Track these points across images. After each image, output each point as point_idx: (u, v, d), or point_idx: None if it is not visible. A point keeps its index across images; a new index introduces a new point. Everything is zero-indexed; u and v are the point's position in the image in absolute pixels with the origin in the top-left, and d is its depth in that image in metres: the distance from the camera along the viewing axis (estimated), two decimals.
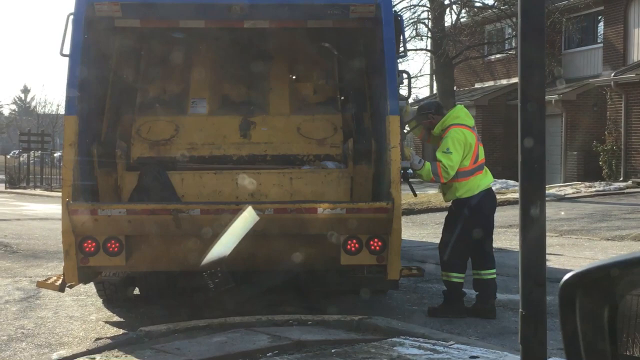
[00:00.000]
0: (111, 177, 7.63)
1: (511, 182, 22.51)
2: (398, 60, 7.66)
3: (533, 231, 3.32)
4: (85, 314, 7.98)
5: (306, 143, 7.96)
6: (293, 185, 7.64)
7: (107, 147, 7.57)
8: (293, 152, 7.94)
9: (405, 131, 7.89)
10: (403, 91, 8.99)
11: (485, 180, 7.65)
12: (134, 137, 7.92)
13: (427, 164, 7.47)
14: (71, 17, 7.04)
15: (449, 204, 7.86)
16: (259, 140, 7.97)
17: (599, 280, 1.70)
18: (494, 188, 7.94)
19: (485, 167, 7.72)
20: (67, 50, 6.99)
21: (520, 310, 3.32)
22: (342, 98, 8.35)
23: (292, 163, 7.90)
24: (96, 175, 7.36)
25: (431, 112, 7.86)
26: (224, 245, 6.43)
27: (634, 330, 1.73)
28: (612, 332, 1.68)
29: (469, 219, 7.45)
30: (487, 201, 7.62)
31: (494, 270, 7.60)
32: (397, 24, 7.47)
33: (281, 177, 7.69)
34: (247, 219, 6.42)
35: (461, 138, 7.47)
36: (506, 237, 13.62)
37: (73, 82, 6.87)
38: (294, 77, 8.61)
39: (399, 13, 11.42)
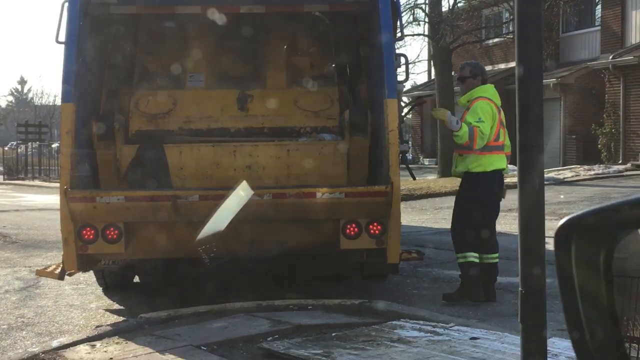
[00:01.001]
0: (110, 150, 7.65)
1: (510, 166, 22.41)
2: (395, 45, 7.63)
3: (532, 209, 3.32)
4: (85, 302, 7.98)
5: (303, 115, 7.98)
6: (290, 157, 7.64)
7: (106, 121, 7.58)
8: (290, 124, 7.95)
9: (402, 114, 7.86)
10: (400, 76, 8.98)
11: (499, 162, 7.50)
12: (132, 111, 7.93)
13: (465, 126, 7.23)
14: (66, 4, 7.02)
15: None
16: (256, 113, 7.98)
17: (594, 224, 1.70)
18: None
19: (504, 154, 7.56)
20: (62, 38, 6.97)
21: (520, 289, 3.31)
22: (338, 72, 8.36)
23: (289, 135, 7.91)
24: (95, 149, 7.36)
25: (479, 74, 7.63)
26: (219, 220, 6.42)
27: (634, 313, 1.73)
28: (608, 276, 1.68)
29: (477, 193, 7.31)
30: (497, 182, 7.52)
31: (496, 255, 7.49)
32: (394, 8, 7.45)
33: (278, 149, 7.69)
34: (241, 193, 6.42)
35: (489, 109, 7.33)
36: (506, 221, 13.58)
37: (69, 69, 6.85)
38: (290, 51, 8.61)
39: None
